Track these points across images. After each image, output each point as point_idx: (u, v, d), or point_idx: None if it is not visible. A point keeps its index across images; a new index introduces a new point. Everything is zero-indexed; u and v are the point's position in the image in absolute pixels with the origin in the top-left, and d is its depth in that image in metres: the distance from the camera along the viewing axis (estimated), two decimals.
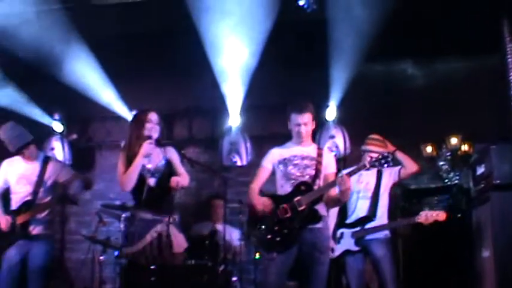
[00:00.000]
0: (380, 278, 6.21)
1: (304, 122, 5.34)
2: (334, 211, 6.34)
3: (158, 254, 5.30)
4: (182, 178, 5.40)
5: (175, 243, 5.40)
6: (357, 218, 6.32)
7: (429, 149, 8.10)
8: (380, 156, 5.24)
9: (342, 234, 6.35)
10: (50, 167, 6.29)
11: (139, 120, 5.52)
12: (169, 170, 5.52)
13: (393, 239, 6.51)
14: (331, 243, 6.13)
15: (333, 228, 6.35)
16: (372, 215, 6.27)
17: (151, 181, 5.44)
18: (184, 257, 5.86)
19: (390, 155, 5.24)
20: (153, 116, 5.51)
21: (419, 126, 7.95)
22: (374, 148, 6.32)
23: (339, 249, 6.33)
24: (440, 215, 5.96)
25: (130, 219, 5.57)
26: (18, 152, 6.17)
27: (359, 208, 6.35)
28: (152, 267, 5.30)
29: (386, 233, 6.30)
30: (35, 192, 6.15)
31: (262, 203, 5.24)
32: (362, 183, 6.39)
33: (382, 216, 6.31)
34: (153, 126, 5.48)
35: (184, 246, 5.59)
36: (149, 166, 5.47)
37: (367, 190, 6.35)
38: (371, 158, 5.47)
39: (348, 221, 6.38)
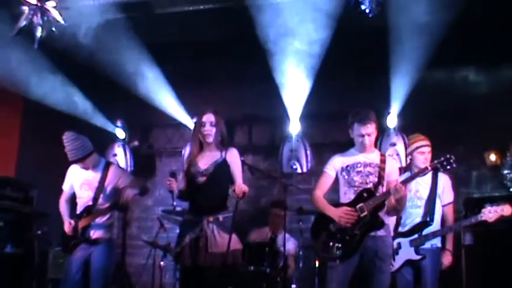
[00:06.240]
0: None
1: (367, 132, 5.29)
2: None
3: (196, 255, 5.21)
4: (242, 186, 5.18)
5: (212, 243, 5.23)
6: (413, 224, 6.01)
7: (493, 157, 7.96)
8: (442, 159, 5.14)
9: (398, 244, 6.00)
10: (111, 173, 6.39)
11: (196, 125, 5.54)
12: (222, 170, 5.38)
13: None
14: None
15: None
16: (429, 219, 5.95)
17: (200, 181, 5.39)
18: (234, 258, 5.31)
19: (453, 156, 5.12)
20: (208, 118, 5.43)
21: (482, 133, 7.80)
22: (425, 142, 6.13)
23: (398, 261, 5.96)
24: (506, 209, 5.60)
25: (182, 223, 5.66)
26: (77, 162, 6.29)
27: (413, 215, 6.03)
28: (210, 269, 5.18)
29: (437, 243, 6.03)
30: (95, 198, 6.28)
31: (344, 214, 5.17)
32: (411, 191, 5.98)
33: (439, 222, 6.04)
34: (207, 129, 5.40)
35: (233, 247, 5.25)
36: (201, 167, 5.42)
37: (418, 198, 6.00)
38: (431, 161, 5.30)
39: (403, 230, 6.07)
